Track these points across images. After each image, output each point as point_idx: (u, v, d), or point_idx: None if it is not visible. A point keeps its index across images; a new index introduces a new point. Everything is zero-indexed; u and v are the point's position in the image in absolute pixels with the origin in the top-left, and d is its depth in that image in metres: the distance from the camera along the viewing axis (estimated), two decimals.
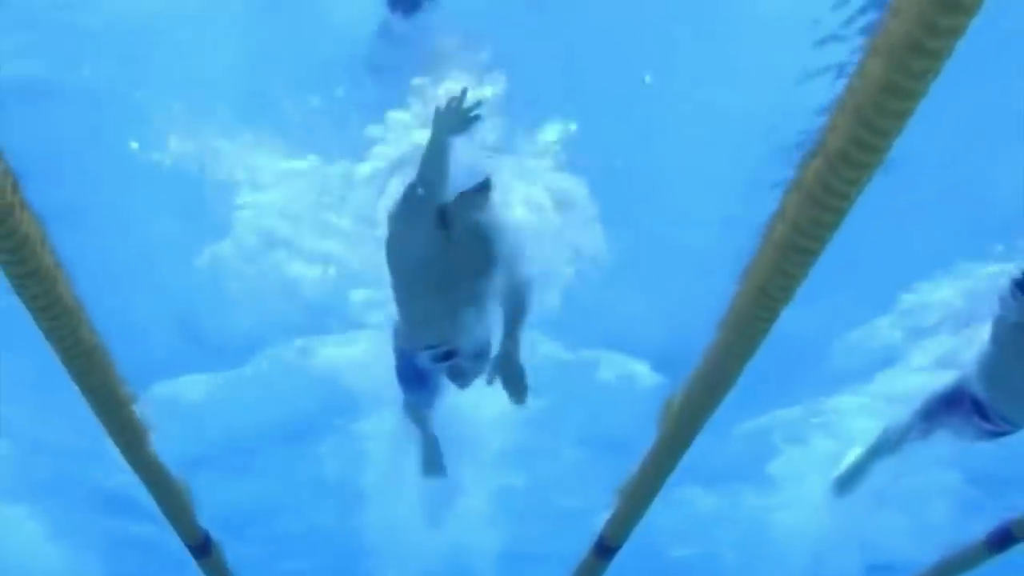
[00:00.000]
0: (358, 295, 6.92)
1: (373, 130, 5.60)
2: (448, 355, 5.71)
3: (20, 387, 7.99)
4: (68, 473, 9.84)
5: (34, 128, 4.92)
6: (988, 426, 6.48)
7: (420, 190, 4.88)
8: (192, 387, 9.17)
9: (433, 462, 6.73)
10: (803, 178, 2.49)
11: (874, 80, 2.20)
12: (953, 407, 6.67)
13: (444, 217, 4.92)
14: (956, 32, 2.03)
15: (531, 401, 7.88)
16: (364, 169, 5.74)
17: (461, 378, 5.93)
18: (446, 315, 5.39)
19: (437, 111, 4.51)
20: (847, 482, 7.66)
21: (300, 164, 5.97)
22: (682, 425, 4.40)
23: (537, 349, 7.83)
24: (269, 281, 6.97)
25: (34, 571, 10.87)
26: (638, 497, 5.14)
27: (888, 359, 7.66)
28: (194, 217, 6.50)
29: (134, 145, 6.02)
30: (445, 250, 4.97)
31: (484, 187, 4.96)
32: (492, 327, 5.72)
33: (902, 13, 2.08)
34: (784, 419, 9.35)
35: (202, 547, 5.46)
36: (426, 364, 5.71)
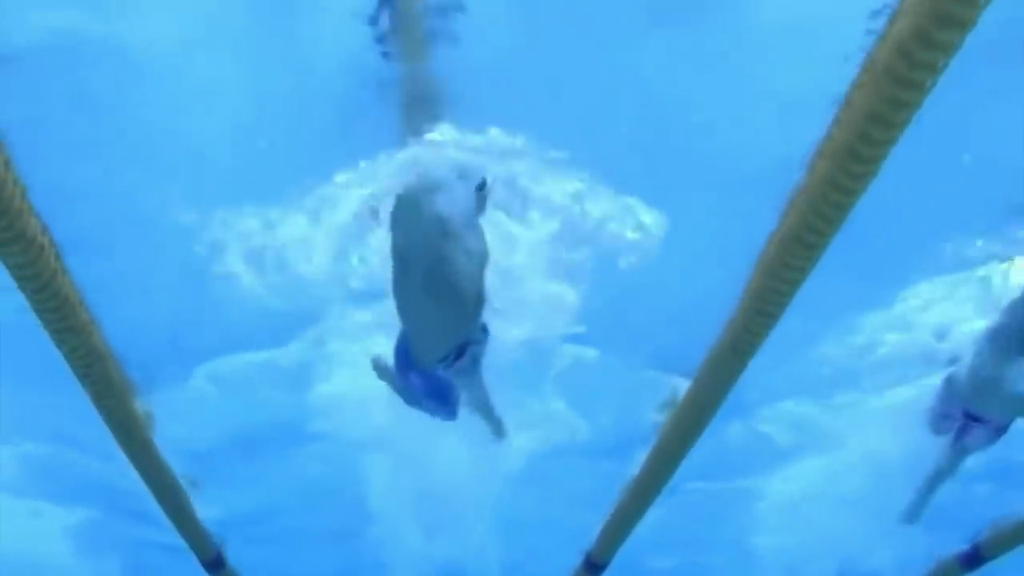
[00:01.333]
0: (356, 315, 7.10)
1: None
2: (461, 351, 5.83)
3: (45, 387, 8.19)
4: (92, 475, 10.06)
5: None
6: (984, 426, 6.81)
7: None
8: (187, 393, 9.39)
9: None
10: (764, 254, 2.81)
11: (820, 177, 2.51)
12: (949, 419, 7.00)
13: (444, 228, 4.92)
14: (889, 142, 2.34)
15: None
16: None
17: (473, 366, 6.04)
18: (456, 318, 5.44)
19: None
20: (915, 513, 7.93)
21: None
22: (668, 449, 4.71)
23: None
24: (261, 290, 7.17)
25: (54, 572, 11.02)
26: (625, 517, 5.42)
27: (870, 370, 7.83)
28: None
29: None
30: (449, 257, 5.08)
31: (481, 187, 5.04)
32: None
33: (843, 124, 2.40)
34: (768, 427, 9.56)
35: (215, 562, 5.71)
36: (445, 375, 5.85)
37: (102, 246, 6.87)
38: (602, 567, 5.86)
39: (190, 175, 6.32)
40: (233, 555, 6.87)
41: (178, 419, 8.60)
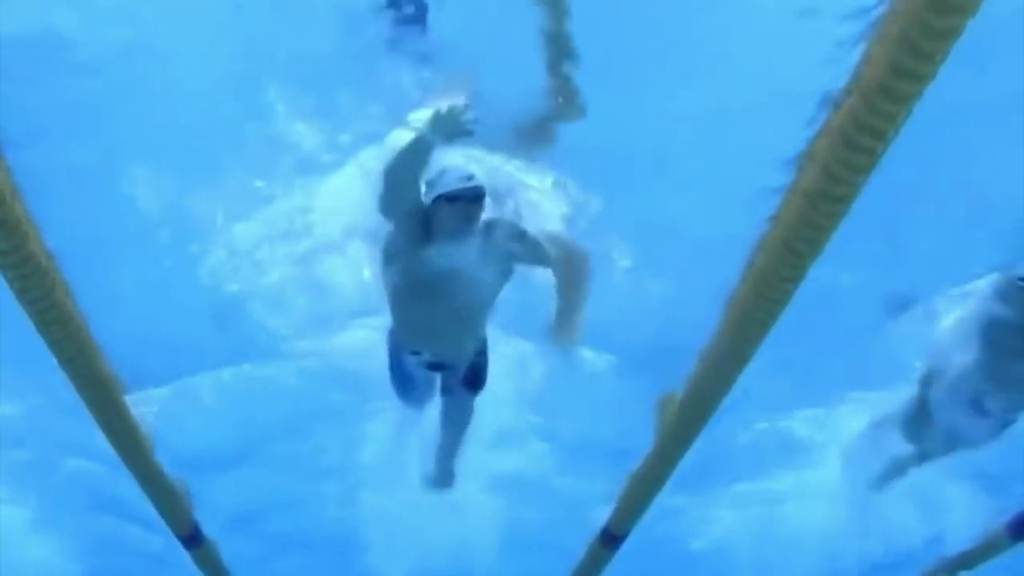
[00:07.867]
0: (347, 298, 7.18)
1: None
2: (436, 366, 5.96)
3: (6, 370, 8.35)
4: (55, 463, 10.22)
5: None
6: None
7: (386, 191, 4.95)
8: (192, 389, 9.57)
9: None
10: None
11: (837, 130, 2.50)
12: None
13: (431, 229, 5.03)
14: (888, 134, 2.35)
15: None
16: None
17: (453, 391, 6.16)
18: (433, 331, 5.59)
19: (437, 113, 4.47)
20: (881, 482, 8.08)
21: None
22: (683, 421, 4.78)
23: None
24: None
25: (15, 563, 11.06)
26: (645, 486, 5.43)
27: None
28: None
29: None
30: (434, 268, 5.11)
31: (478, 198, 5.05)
32: (484, 348, 5.97)
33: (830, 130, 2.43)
34: (800, 417, 9.72)
35: (192, 538, 5.77)
36: (413, 368, 5.92)
37: (101, 250, 6.96)
38: (620, 538, 5.91)
39: (196, 173, 6.40)
40: (227, 559, 7.00)
41: (176, 422, 8.73)
